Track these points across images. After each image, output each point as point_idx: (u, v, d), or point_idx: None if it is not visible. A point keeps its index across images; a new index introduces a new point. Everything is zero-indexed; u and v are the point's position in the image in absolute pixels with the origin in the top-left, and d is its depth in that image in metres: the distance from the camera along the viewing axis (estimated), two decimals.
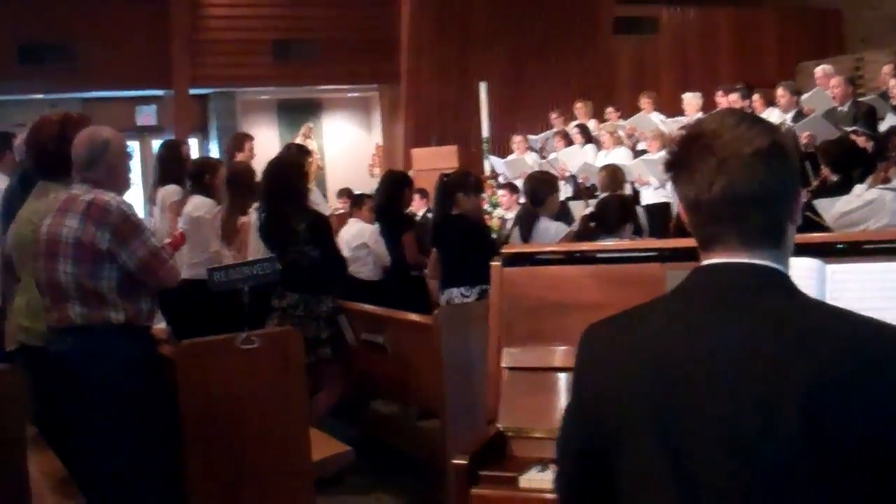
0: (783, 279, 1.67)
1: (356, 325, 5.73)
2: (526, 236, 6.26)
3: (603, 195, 7.33)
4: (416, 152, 13.17)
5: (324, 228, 5.78)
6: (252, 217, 6.16)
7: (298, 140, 12.13)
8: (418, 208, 10.17)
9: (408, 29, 14.99)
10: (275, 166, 5.92)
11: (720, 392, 1.56)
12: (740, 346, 1.57)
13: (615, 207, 5.75)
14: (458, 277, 6.03)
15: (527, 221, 6.41)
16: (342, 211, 9.87)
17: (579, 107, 12.93)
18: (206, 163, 7.13)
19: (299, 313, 5.55)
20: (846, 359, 1.51)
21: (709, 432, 1.56)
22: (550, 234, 6.25)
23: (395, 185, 7.28)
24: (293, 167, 6.06)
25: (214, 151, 14.61)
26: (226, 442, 4.02)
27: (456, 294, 6.02)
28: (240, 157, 7.88)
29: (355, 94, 16.45)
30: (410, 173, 11.75)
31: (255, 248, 5.96)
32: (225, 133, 13.99)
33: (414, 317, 5.37)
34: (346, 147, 15.98)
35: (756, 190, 1.63)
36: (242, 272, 4.23)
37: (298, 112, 15.53)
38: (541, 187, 6.50)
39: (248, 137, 8.31)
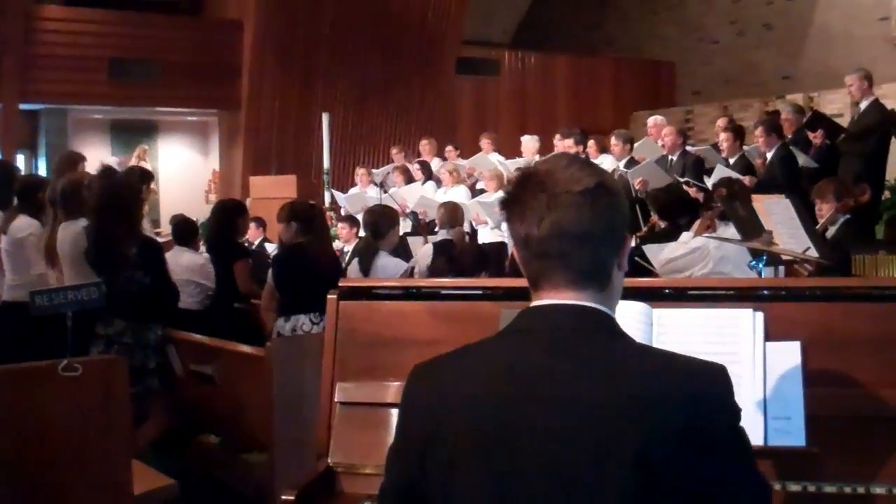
0: (610, 322, 1.71)
1: (185, 355, 5.58)
2: (366, 270, 6.24)
3: (443, 233, 7.41)
4: (255, 180, 12.99)
5: (156, 254, 5.61)
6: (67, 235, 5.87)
7: (132, 162, 11.79)
8: (255, 237, 10.02)
9: (250, 55, 14.84)
10: (108, 187, 5.71)
11: (550, 436, 1.58)
12: (570, 390, 1.60)
13: (472, 254, 5.84)
14: (307, 304, 5.93)
15: (367, 255, 6.40)
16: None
17: (424, 144, 13.03)
18: (36, 181, 6.82)
19: (126, 341, 5.36)
20: (672, 404, 1.57)
21: (537, 475, 1.58)
22: (390, 270, 6.26)
23: (227, 214, 7.11)
24: (128, 189, 5.87)
25: (43, 169, 14.04)
26: (42, 474, 3.82)
27: (304, 321, 5.93)
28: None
29: (193, 118, 16.14)
30: (248, 201, 11.60)
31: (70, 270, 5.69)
32: (55, 151, 13.50)
33: (245, 348, 5.27)
34: (182, 171, 15.64)
35: (582, 228, 1.67)
36: (66, 296, 4.06)
37: (133, 133, 15.13)
38: (382, 221, 6.51)
39: (81, 157, 8.00)
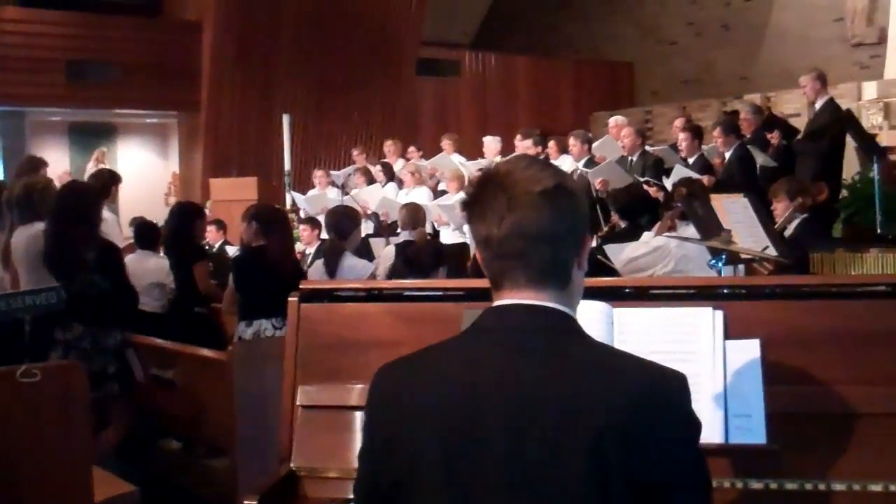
0: (570, 322, 1.74)
1: (145, 359, 5.53)
2: (332, 271, 6.20)
3: (405, 235, 7.39)
4: (215, 182, 12.89)
5: (114, 258, 5.55)
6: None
7: (90, 165, 11.66)
8: (215, 240, 9.95)
9: (209, 56, 14.72)
10: (68, 189, 5.65)
11: (510, 434, 1.61)
12: (530, 390, 1.62)
13: (428, 252, 5.82)
14: (269, 308, 5.89)
15: (332, 256, 6.35)
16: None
17: (389, 145, 13.00)
18: None
19: (85, 346, 5.30)
20: (629, 407, 1.60)
21: (498, 474, 1.60)
22: (357, 271, 6.23)
23: (185, 217, 7.07)
24: (89, 192, 5.80)
25: (0, 172, 13.85)
26: (0, 481, 3.76)
27: (266, 325, 5.89)
28: None
29: (153, 120, 16.00)
30: (208, 204, 11.53)
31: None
32: (12, 153, 13.32)
33: (206, 352, 5.24)
34: (141, 174, 15.47)
35: (541, 228, 1.70)
36: (24, 301, 4.00)
37: (92, 135, 14.96)
38: (345, 221, 6.48)
39: (42, 163, 7.94)
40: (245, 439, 4.60)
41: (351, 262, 6.32)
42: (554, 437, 1.58)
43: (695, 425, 1.67)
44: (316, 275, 6.29)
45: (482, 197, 1.74)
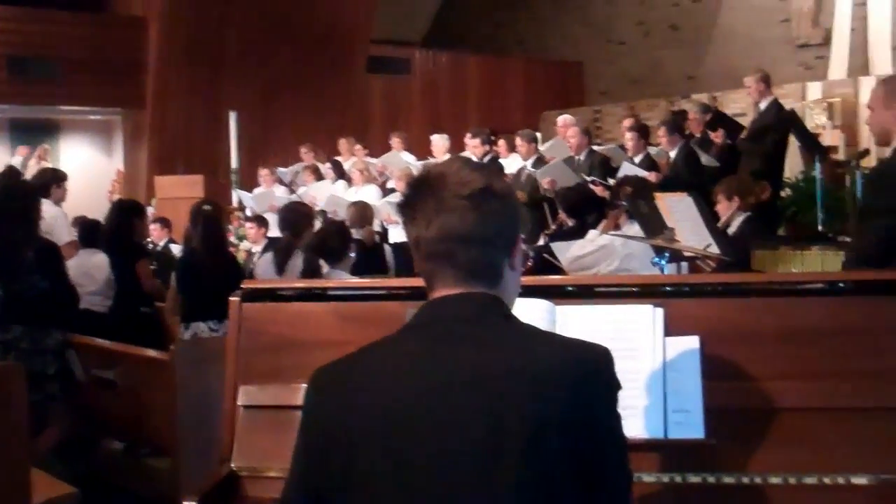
0: (500, 305, 1.78)
1: (86, 359, 5.45)
2: (282, 269, 6.12)
3: (354, 233, 7.35)
4: (160, 180, 12.74)
5: (54, 257, 5.47)
6: None
7: (32, 162, 11.48)
8: (160, 238, 9.83)
9: (155, 52, 14.52)
10: (6, 188, 5.56)
11: (452, 423, 1.63)
12: (468, 374, 1.66)
13: (335, 235, 5.80)
14: (206, 311, 5.83)
15: (284, 253, 6.25)
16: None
17: (342, 142, 12.93)
18: None
19: (24, 346, 5.21)
20: (563, 386, 1.65)
21: (437, 464, 1.62)
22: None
23: (124, 214, 6.98)
24: (28, 190, 5.71)
25: None
26: None
27: (203, 329, 5.83)
28: None
29: (97, 117, 15.78)
30: (153, 202, 11.40)
31: None
32: None
33: (148, 352, 5.19)
34: (85, 171, 15.21)
35: (467, 230, 1.74)
36: None
37: (34, 132, 14.68)
38: (299, 218, 6.40)
39: None
40: (187, 440, 4.56)
41: (299, 260, 6.24)
42: (489, 420, 1.61)
43: (618, 389, 1.74)
44: (266, 272, 6.21)
45: (413, 200, 1.80)
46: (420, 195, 1.78)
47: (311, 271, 5.56)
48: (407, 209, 1.81)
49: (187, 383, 4.62)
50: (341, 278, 5.33)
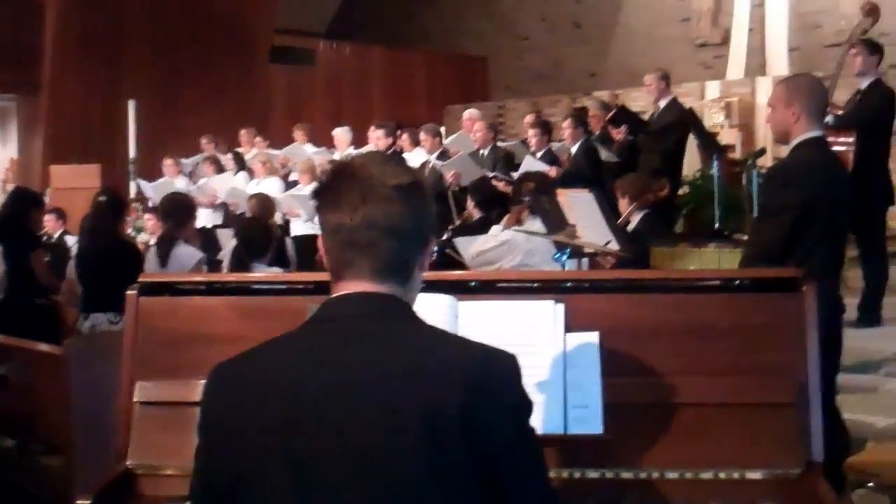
0: (405, 307, 1.78)
1: None
2: (164, 259, 5.98)
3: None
4: (55, 169, 12.41)
5: None
6: None
7: None
8: (54, 229, 9.57)
9: (52, 38, 14.12)
10: None
11: (348, 421, 1.62)
12: (368, 373, 1.65)
13: (259, 231, 5.78)
14: (105, 302, 5.70)
15: (167, 245, 6.12)
16: None
17: (244, 133, 12.76)
18: None
19: None
20: (463, 390, 1.63)
21: (334, 463, 1.61)
22: (186, 258, 6.04)
23: (21, 203, 6.79)
24: None
25: None
26: None
27: (102, 320, 5.69)
28: None
29: None
30: (48, 191, 11.09)
31: None
32: None
33: (41, 347, 5.04)
34: None
35: (392, 222, 1.73)
36: None
37: None
38: (179, 209, 6.26)
39: None
40: (82, 437, 4.45)
41: (181, 250, 6.08)
42: (391, 423, 1.61)
43: (527, 404, 1.73)
44: (151, 265, 6.08)
45: (336, 186, 1.77)
46: (345, 182, 1.76)
47: (238, 265, 5.55)
48: (328, 194, 1.78)
49: (82, 378, 4.49)
50: (266, 272, 5.30)
